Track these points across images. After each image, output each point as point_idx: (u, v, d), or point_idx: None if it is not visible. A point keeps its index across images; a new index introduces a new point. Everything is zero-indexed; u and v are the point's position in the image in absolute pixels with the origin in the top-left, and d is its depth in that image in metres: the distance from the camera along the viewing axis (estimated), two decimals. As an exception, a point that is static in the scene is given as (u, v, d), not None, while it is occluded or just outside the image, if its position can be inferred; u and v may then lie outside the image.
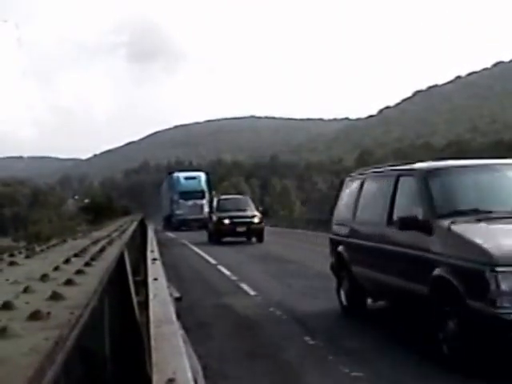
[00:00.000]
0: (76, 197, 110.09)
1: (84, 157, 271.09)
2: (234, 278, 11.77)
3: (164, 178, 52.03)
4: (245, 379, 5.18)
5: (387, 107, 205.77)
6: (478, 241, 4.87)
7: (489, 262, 4.60)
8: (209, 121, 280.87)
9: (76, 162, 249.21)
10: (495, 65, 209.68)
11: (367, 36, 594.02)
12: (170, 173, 46.40)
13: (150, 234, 11.02)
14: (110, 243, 4.00)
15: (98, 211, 35.35)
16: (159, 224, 42.92)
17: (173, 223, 39.07)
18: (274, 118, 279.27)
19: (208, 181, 42.57)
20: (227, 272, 12.73)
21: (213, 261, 15.41)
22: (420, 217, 5.60)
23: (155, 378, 1.36)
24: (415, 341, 5.92)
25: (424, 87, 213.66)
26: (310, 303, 8.51)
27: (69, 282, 1.79)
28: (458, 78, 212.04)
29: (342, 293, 7.69)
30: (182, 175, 42.63)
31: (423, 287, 5.31)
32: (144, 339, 2.89)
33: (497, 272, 4.51)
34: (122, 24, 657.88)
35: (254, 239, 21.66)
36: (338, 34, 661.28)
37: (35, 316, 1.28)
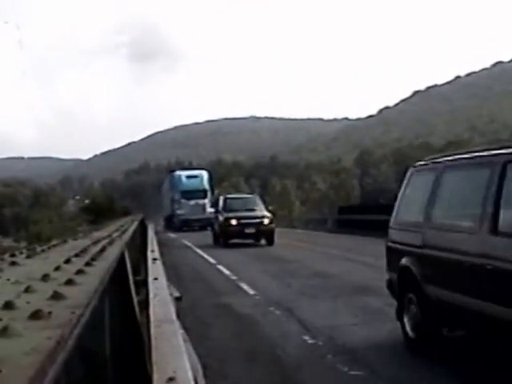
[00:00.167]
0: (77, 197, 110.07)
1: (84, 157, 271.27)
2: (233, 277, 11.81)
3: (165, 177, 51.25)
4: (244, 378, 5.19)
5: (386, 107, 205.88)
6: None
7: None
8: (209, 121, 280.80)
9: (76, 162, 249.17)
10: (494, 65, 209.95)
11: (367, 36, 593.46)
12: (172, 171, 45.44)
13: (150, 234, 11.04)
14: (110, 243, 4.00)
15: (99, 212, 35.30)
16: (160, 224, 42.72)
17: (174, 223, 38.27)
18: (273, 118, 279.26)
19: (210, 179, 41.65)
20: (227, 271, 12.77)
21: (212, 260, 15.44)
22: None
23: (155, 377, 1.37)
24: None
25: (423, 87, 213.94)
26: (310, 303, 8.53)
27: (70, 282, 1.79)
28: (457, 78, 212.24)
29: (407, 320, 5.81)
30: (183, 174, 41.64)
31: None
32: (144, 338, 2.89)
33: None
34: (122, 24, 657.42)
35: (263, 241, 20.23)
36: (338, 34, 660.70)
37: (36, 315, 1.29)
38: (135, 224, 11.11)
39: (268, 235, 19.87)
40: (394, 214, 6.71)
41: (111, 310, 2.72)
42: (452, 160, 5.75)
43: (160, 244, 11.53)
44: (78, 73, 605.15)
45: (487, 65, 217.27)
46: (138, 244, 9.75)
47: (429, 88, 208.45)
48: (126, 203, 62.00)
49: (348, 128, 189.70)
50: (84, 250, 3.11)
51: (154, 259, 4.77)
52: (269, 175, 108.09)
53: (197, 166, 72.56)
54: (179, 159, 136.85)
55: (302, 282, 10.63)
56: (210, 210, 36.41)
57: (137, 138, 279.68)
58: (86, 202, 55.86)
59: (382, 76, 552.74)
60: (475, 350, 5.50)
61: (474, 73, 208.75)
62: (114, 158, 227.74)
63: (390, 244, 6.63)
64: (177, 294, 5.42)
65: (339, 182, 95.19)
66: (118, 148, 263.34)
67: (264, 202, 23.17)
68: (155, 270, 3.91)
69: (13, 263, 2.51)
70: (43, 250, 3.43)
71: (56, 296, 1.52)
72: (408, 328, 5.76)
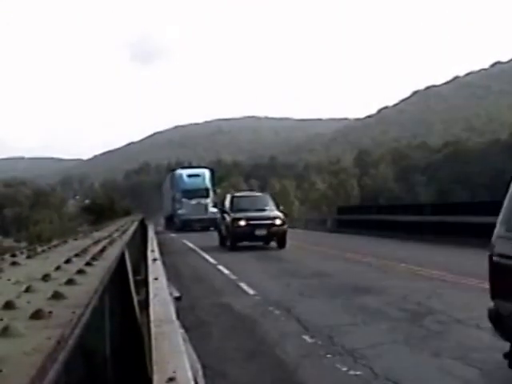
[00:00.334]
0: (77, 197, 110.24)
1: (85, 157, 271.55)
2: (233, 277, 11.83)
3: (165, 176, 50.06)
4: (244, 378, 5.19)
5: (385, 107, 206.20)
6: None
7: None
8: (208, 121, 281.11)
9: (77, 162, 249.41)
10: (493, 65, 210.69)
11: (366, 37, 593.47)
12: (173, 170, 43.88)
13: (151, 234, 11.05)
14: (110, 243, 4.01)
15: (99, 212, 35.28)
16: (160, 224, 42.45)
17: (175, 223, 36.99)
18: (273, 118, 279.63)
19: (213, 178, 40.17)
20: (226, 271, 12.80)
21: (213, 261, 15.44)
22: None
23: (155, 376, 1.37)
24: None
25: (422, 87, 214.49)
26: (309, 303, 8.54)
27: (70, 282, 1.80)
28: (456, 78, 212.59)
29: None
30: (184, 172, 39.89)
31: None
32: (144, 338, 2.90)
33: None
34: (122, 25, 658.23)
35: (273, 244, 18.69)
36: (337, 34, 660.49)
37: (37, 315, 1.29)
38: (135, 224, 11.11)
39: (280, 237, 18.26)
40: (503, 217, 4.98)
41: (111, 310, 2.73)
42: None
43: (160, 244, 11.53)
44: (78, 73, 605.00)
45: (485, 65, 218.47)
46: (139, 244, 9.76)
47: (427, 88, 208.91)
48: (127, 203, 61.97)
49: (347, 128, 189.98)
50: (84, 250, 3.12)
51: (154, 259, 4.78)
52: (268, 175, 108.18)
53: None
54: (179, 159, 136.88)
55: (302, 282, 10.64)
56: (212, 209, 35.37)
57: (137, 139, 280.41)
58: (87, 202, 55.93)
59: (381, 76, 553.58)
60: None
61: (473, 73, 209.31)
62: (114, 158, 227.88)
63: (498, 259, 4.63)
64: (176, 294, 5.42)
65: (338, 181, 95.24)
66: (118, 148, 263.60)
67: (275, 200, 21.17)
68: (155, 270, 3.92)
69: (13, 263, 2.51)
70: (44, 250, 3.43)
71: (56, 296, 1.53)
72: None
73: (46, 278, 1.91)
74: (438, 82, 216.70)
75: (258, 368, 5.44)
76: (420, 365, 5.25)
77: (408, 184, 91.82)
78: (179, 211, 36.53)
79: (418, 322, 6.94)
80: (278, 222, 18.32)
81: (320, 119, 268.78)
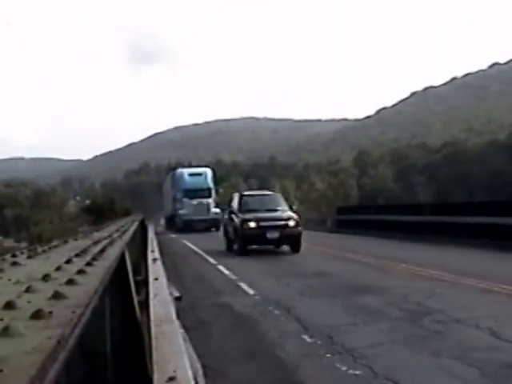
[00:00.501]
0: (77, 198, 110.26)
1: (85, 158, 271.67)
2: (233, 277, 11.84)
3: (165, 177, 49.17)
4: (244, 377, 5.20)
5: (384, 108, 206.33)
6: None
7: None
8: (208, 122, 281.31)
9: (77, 163, 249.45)
10: (491, 66, 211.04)
11: (364, 38, 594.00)
12: (174, 169, 42.44)
13: (151, 235, 11.05)
14: (110, 243, 4.01)
15: (99, 212, 35.26)
16: (160, 225, 42.25)
17: (176, 224, 35.80)
18: (272, 119, 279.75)
19: (214, 178, 38.89)
20: (226, 271, 12.81)
21: (213, 261, 15.44)
22: None
23: (156, 376, 1.38)
24: None
25: (420, 88, 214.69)
26: (309, 303, 8.54)
27: (70, 282, 1.80)
28: (454, 79, 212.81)
29: None
30: (186, 171, 38.53)
31: None
32: (144, 338, 2.90)
33: None
34: (122, 27, 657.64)
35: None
36: (336, 35, 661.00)
37: (37, 315, 1.29)
38: (135, 224, 11.12)
39: (294, 240, 16.71)
40: None
41: (112, 310, 2.73)
42: None
43: (160, 244, 11.52)
44: (78, 74, 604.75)
45: (484, 66, 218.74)
46: (139, 244, 9.76)
47: (426, 89, 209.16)
48: (127, 203, 62.02)
49: (346, 128, 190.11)
50: (85, 250, 3.12)
51: (154, 259, 4.78)
52: (268, 175, 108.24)
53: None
54: (179, 160, 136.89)
55: (302, 282, 10.64)
56: (214, 210, 34.94)
57: (137, 139, 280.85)
58: (87, 202, 55.93)
59: (380, 77, 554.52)
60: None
61: (471, 74, 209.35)
62: (114, 158, 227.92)
63: None
64: (177, 294, 5.43)
65: (338, 182, 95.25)
66: (118, 149, 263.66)
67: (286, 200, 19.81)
68: (155, 270, 3.92)
69: (14, 263, 2.52)
70: (44, 251, 3.44)
71: (57, 296, 1.53)
72: None
73: (46, 278, 1.92)
74: (437, 83, 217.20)
75: (258, 367, 5.44)
76: (420, 364, 5.25)
77: (407, 184, 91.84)
78: (180, 211, 35.50)
79: (417, 321, 6.94)
80: (291, 223, 16.81)
81: (319, 120, 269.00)
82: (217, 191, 38.44)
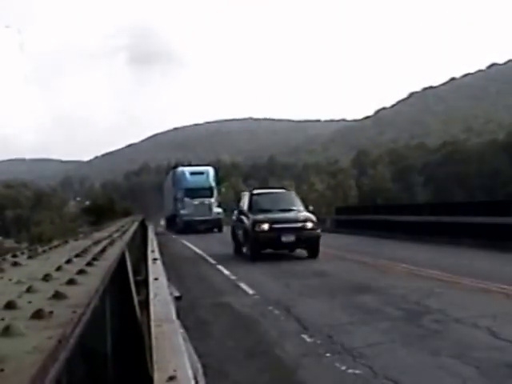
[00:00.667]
0: (77, 198, 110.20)
1: (85, 159, 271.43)
2: (232, 277, 11.86)
3: (165, 177, 48.20)
4: (244, 377, 5.21)
5: (383, 108, 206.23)
6: None
7: None
8: (207, 123, 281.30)
9: (77, 164, 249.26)
10: (489, 66, 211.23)
11: (363, 39, 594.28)
12: (174, 167, 40.70)
13: (151, 236, 11.06)
14: (111, 243, 4.02)
15: (100, 213, 35.20)
16: (160, 225, 41.97)
17: (177, 224, 34.56)
18: (271, 119, 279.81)
19: (216, 176, 37.75)
20: (226, 272, 12.82)
21: (212, 261, 15.45)
22: None
23: (156, 375, 1.39)
24: None
25: (419, 89, 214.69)
26: (308, 302, 8.55)
27: (71, 282, 1.81)
28: (453, 79, 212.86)
29: None
30: (187, 170, 37.08)
31: None
32: (145, 338, 2.91)
33: None
34: (121, 28, 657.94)
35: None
36: (335, 36, 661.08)
37: (38, 315, 1.30)
38: (135, 225, 11.12)
39: (313, 244, 15.11)
40: None
41: (112, 310, 2.74)
42: None
43: (160, 244, 11.51)
44: (78, 75, 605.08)
45: (482, 66, 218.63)
46: (139, 244, 9.77)
47: (425, 89, 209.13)
48: (127, 204, 62.00)
49: (345, 129, 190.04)
50: (85, 251, 3.13)
51: (155, 259, 4.79)
52: (267, 176, 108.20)
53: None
54: (178, 160, 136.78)
55: (301, 282, 10.65)
56: (216, 210, 34.16)
57: (137, 140, 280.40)
58: (87, 203, 55.92)
59: (379, 77, 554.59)
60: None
61: (470, 74, 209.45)
62: (114, 159, 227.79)
63: None
64: (177, 294, 5.44)
65: (337, 182, 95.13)
66: (118, 150, 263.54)
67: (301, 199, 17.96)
68: (155, 270, 3.93)
69: (15, 264, 2.52)
70: (44, 251, 3.45)
71: (57, 296, 1.54)
72: None
73: (46, 278, 1.92)
74: (436, 84, 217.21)
75: (258, 367, 5.45)
76: (419, 364, 5.26)
77: (406, 184, 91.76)
78: (181, 211, 34.24)
79: (416, 321, 6.95)
80: (309, 225, 15.15)
81: (318, 120, 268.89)
82: (219, 191, 37.69)
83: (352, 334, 6.48)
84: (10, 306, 1.40)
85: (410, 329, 6.60)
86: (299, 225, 15.08)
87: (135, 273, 5.10)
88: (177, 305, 3.30)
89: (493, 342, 5.72)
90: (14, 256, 3.03)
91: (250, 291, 9.84)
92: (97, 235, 5.76)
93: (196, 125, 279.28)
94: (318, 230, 15.33)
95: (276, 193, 18.30)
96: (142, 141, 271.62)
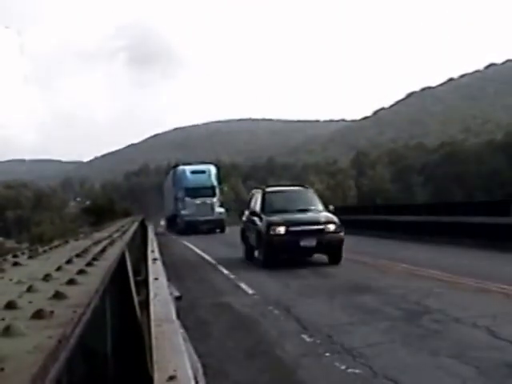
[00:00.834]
0: (77, 199, 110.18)
1: (85, 159, 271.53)
2: (232, 276, 11.87)
3: (165, 177, 47.27)
4: (244, 377, 5.21)
5: (382, 109, 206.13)
6: None
7: None
8: (207, 123, 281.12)
9: (77, 164, 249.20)
10: (487, 67, 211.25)
11: (362, 39, 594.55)
12: (175, 166, 38.58)
13: (151, 236, 11.06)
14: (111, 244, 4.02)
15: (100, 213, 35.15)
16: (160, 226, 41.69)
17: (178, 225, 33.31)
18: (270, 119, 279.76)
19: (218, 175, 35.99)
20: (225, 271, 12.83)
21: (212, 260, 15.45)
22: None
23: (156, 375, 1.39)
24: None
25: (418, 89, 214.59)
26: (308, 302, 8.55)
27: (71, 282, 1.81)
28: (451, 79, 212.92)
29: None
30: (188, 168, 35.17)
31: None
32: (145, 338, 2.91)
33: None
34: (121, 29, 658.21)
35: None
36: (334, 37, 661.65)
37: (38, 315, 1.30)
38: (135, 225, 11.13)
39: (335, 249, 13.50)
40: None
41: (112, 310, 2.74)
42: None
43: (160, 244, 11.51)
44: (78, 76, 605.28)
45: (480, 66, 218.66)
46: (139, 244, 9.77)
47: (423, 89, 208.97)
48: (127, 204, 61.97)
49: (344, 129, 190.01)
50: (85, 251, 3.13)
51: (154, 259, 4.79)
52: (266, 176, 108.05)
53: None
54: (178, 160, 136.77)
55: (301, 282, 10.65)
56: (218, 209, 33.11)
57: (136, 140, 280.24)
58: (87, 203, 55.90)
59: (378, 78, 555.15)
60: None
61: (468, 74, 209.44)
62: (114, 160, 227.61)
63: None
64: (177, 294, 5.44)
65: (336, 182, 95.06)
66: (118, 150, 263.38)
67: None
68: (155, 270, 3.93)
69: (15, 264, 2.53)
70: (45, 251, 3.45)
71: (58, 296, 1.54)
72: None
73: (47, 278, 1.93)
74: (434, 84, 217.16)
75: (258, 367, 5.45)
76: (418, 363, 5.27)
77: (405, 184, 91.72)
78: (182, 211, 32.87)
79: (416, 321, 6.96)
80: (331, 227, 13.50)
81: (317, 121, 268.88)
82: (221, 189, 36.39)
83: (352, 333, 6.48)
84: (10, 305, 1.41)
85: (409, 329, 6.60)
86: (320, 227, 13.42)
87: (135, 273, 5.10)
88: (177, 305, 3.30)
89: (492, 342, 5.73)
90: (15, 256, 3.04)
91: (250, 291, 9.85)
92: (97, 235, 5.77)
93: (195, 125, 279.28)
94: (342, 233, 13.65)
95: (292, 191, 16.16)
96: (142, 141, 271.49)
